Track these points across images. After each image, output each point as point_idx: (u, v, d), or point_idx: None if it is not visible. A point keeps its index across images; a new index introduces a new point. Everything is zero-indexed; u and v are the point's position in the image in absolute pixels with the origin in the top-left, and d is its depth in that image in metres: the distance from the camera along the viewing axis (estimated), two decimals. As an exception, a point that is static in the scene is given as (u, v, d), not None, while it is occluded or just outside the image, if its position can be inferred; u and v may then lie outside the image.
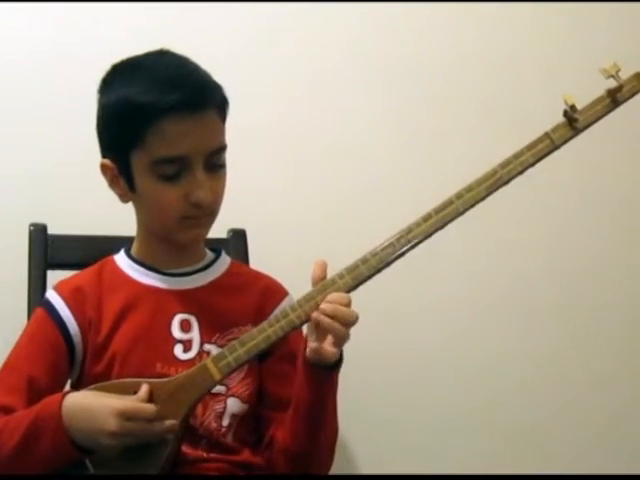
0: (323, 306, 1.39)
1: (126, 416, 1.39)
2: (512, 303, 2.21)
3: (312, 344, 1.42)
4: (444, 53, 2.20)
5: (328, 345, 1.41)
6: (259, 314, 1.56)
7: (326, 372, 1.45)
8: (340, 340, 1.41)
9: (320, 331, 1.41)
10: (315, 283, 1.42)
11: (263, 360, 1.58)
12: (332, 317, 1.39)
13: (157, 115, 1.47)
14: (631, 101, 1.43)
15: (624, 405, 2.24)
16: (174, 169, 1.50)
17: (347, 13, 2.15)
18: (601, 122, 1.44)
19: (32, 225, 1.83)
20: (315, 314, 1.39)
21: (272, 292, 1.64)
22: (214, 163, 1.54)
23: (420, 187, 2.10)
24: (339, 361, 1.46)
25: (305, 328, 1.45)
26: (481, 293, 2.20)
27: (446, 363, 2.17)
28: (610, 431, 2.22)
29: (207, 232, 1.61)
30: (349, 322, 1.40)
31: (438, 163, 2.17)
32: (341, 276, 1.41)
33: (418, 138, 2.19)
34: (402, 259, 1.43)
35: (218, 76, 1.56)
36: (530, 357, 2.21)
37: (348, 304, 1.41)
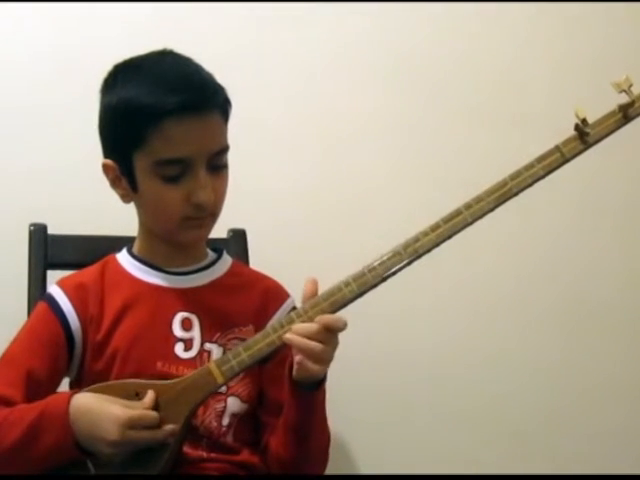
0: (296, 327, 1.40)
1: (130, 425, 1.39)
2: (513, 305, 2.22)
3: (296, 360, 1.42)
4: (446, 55, 2.21)
5: (310, 363, 1.40)
6: (260, 315, 1.57)
7: (310, 392, 1.46)
8: (319, 358, 1.40)
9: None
10: (306, 300, 1.42)
11: (263, 364, 1.58)
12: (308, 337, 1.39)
13: (160, 116, 1.47)
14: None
15: (626, 405, 2.25)
16: (177, 170, 1.50)
17: (349, 13, 2.15)
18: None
19: (32, 225, 1.83)
20: (288, 336, 1.40)
21: (274, 294, 1.65)
22: (216, 164, 1.54)
23: (421, 189, 2.11)
24: (323, 378, 1.46)
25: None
26: (482, 294, 2.21)
27: (446, 364, 2.18)
28: (612, 431, 2.23)
29: (209, 232, 1.62)
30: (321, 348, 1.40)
31: (440, 165, 2.18)
32: (347, 284, 1.41)
33: (420, 140, 2.20)
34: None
35: (218, 76, 1.55)
36: (531, 359, 2.22)
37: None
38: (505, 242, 2.22)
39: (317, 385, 1.46)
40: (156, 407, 1.43)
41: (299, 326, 1.40)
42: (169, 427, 1.42)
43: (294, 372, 1.44)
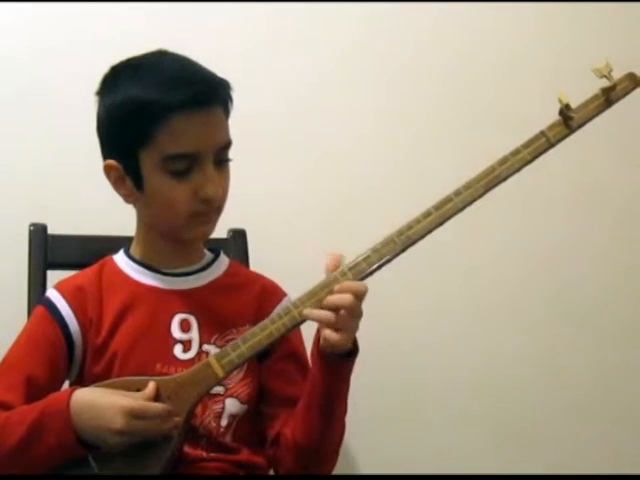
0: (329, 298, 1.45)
1: (134, 414, 1.44)
2: (512, 304, 2.26)
3: (322, 333, 1.47)
4: (443, 54, 2.25)
5: (333, 333, 1.45)
6: (258, 314, 1.61)
7: (340, 360, 1.49)
8: (345, 328, 1.46)
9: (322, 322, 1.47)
10: (328, 273, 1.47)
11: (263, 359, 1.64)
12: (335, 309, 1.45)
13: (167, 112, 1.53)
14: (625, 100, 1.50)
15: (625, 405, 2.29)
16: (185, 165, 1.55)
17: (349, 14, 2.20)
18: (598, 121, 1.51)
19: (32, 225, 1.88)
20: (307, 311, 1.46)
21: (270, 293, 1.70)
22: (221, 158, 1.60)
23: (420, 187, 2.04)
24: (354, 351, 1.50)
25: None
26: (482, 293, 2.25)
27: (447, 363, 2.22)
28: (611, 431, 2.27)
29: (214, 228, 1.66)
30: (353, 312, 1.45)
31: (439, 164, 2.21)
32: (343, 273, 1.47)
33: (419, 139, 2.24)
34: (405, 259, 1.49)
35: (219, 75, 1.60)
36: (531, 358, 2.25)
37: (357, 293, 1.45)
38: (505, 242, 2.27)
39: (345, 356, 1.49)
40: (157, 401, 1.48)
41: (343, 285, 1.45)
42: (173, 419, 1.47)
43: (321, 343, 1.48)
